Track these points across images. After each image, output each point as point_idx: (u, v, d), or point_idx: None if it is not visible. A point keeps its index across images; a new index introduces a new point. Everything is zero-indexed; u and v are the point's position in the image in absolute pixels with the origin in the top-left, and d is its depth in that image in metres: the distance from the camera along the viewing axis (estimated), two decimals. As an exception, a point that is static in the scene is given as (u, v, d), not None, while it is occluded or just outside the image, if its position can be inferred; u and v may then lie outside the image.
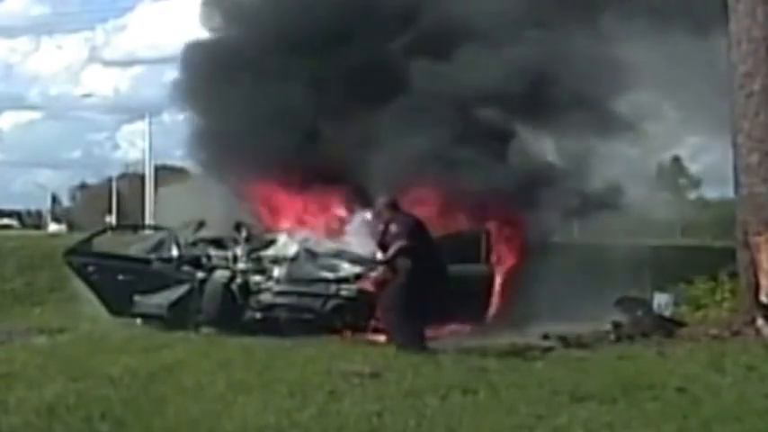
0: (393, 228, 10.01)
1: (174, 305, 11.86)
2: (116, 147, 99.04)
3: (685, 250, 19.18)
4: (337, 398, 7.11)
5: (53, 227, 58.15)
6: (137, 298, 12.05)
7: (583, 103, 13.87)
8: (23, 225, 64.55)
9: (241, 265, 12.11)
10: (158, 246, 12.64)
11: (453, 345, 10.25)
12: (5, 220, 62.91)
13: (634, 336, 11.23)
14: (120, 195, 55.06)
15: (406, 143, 13.35)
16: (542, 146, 14.82)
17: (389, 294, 10.07)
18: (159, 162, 45.49)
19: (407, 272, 9.84)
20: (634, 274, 13.36)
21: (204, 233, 13.00)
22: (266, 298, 11.89)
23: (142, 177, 47.02)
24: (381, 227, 10.40)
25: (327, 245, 12.51)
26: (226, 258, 12.30)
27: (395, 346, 9.71)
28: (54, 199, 72.53)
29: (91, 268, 12.34)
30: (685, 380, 8.03)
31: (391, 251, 9.98)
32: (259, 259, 12.25)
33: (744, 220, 12.07)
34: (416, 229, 10.09)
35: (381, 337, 10.71)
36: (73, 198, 72.03)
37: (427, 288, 9.75)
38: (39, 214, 70.88)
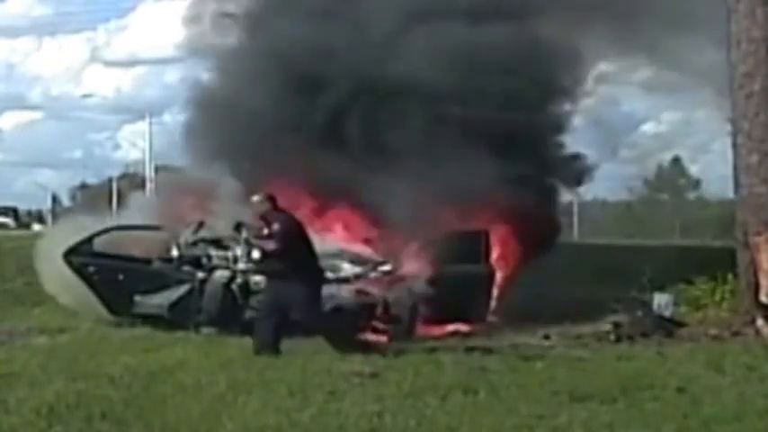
0: (276, 226, 9.73)
1: (174, 305, 11.85)
2: (117, 147, 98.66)
3: (685, 250, 19.19)
4: (337, 398, 7.11)
5: (36, 227, 58.28)
6: (137, 298, 12.06)
7: None
8: (20, 225, 64.33)
9: (241, 265, 12.10)
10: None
11: (453, 345, 10.25)
12: (1, 219, 62.70)
13: (634, 336, 11.23)
14: (121, 195, 55.01)
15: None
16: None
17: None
18: (160, 162, 45.48)
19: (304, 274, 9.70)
20: (634, 274, 13.36)
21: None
22: (266, 298, 11.87)
23: (143, 177, 47.02)
24: (262, 223, 10.09)
25: (327, 245, 12.49)
26: (226, 258, 12.30)
27: (255, 346, 9.54)
28: (54, 199, 72.37)
29: (91, 268, 12.34)
30: (685, 380, 8.04)
31: (270, 246, 9.72)
32: (259, 259, 12.23)
33: (744, 220, 12.08)
34: (296, 229, 9.88)
35: (382, 338, 10.71)
36: (73, 198, 71.87)
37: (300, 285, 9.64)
38: (39, 214, 70.77)
